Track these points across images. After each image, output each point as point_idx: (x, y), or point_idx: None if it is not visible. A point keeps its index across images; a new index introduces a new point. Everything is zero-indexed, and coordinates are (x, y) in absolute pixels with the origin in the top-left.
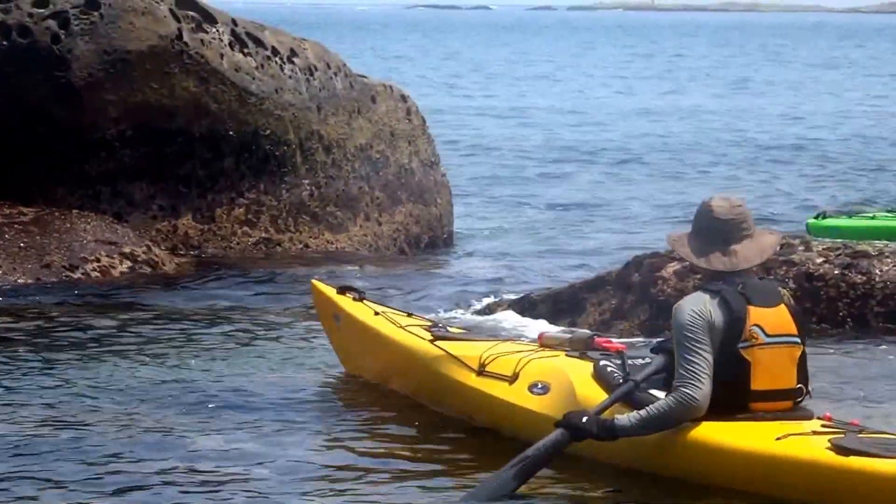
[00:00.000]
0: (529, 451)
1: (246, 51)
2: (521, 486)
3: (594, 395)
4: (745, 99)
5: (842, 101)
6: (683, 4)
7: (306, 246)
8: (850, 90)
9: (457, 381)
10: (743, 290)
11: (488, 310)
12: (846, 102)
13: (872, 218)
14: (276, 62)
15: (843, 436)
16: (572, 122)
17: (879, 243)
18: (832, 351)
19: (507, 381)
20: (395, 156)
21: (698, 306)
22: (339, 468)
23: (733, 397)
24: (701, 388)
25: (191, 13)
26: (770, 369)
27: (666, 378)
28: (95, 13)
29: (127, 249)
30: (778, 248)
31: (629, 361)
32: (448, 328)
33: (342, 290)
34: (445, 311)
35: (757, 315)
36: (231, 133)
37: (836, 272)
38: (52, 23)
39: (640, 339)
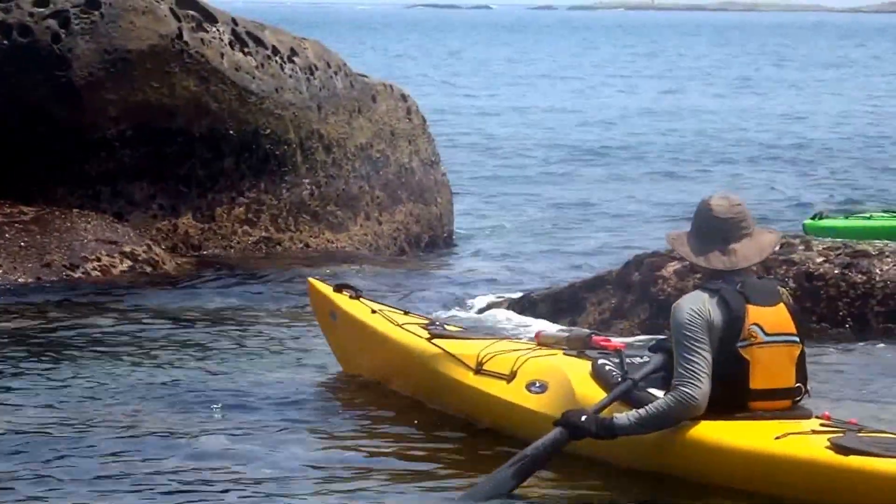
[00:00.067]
0: (528, 449)
1: (246, 50)
2: (519, 485)
3: (592, 394)
4: (745, 98)
5: (842, 101)
6: (684, 4)
7: (306, 245)
8: (850, 90)
9: (454, 380)
10: (742, 289)
11: (488, 309)
12: (847, 102)
13: (869, 218)
14: (276, 61)
15: (842, 435)
16: (573, 122)
17: (879, 243)
18: (832, 351)
19: (504, 379)
20: (395, 155)
21: (697, 305)
22: (339, 468)
23: (732, 396)
24: (700, 387)
25: (191, 12)
26: (769, 368)
27: (664, 377)
28: (96, 12)
29: (127, 249)
30: (777, 247)
31: (627, 360)
32: (445, 326)
33: (339, 288)
34: (446, 310)
35: (756, 314)
36: (231, 132)
37: (836, 272)
38: (52, 22)
39: (640, 339)
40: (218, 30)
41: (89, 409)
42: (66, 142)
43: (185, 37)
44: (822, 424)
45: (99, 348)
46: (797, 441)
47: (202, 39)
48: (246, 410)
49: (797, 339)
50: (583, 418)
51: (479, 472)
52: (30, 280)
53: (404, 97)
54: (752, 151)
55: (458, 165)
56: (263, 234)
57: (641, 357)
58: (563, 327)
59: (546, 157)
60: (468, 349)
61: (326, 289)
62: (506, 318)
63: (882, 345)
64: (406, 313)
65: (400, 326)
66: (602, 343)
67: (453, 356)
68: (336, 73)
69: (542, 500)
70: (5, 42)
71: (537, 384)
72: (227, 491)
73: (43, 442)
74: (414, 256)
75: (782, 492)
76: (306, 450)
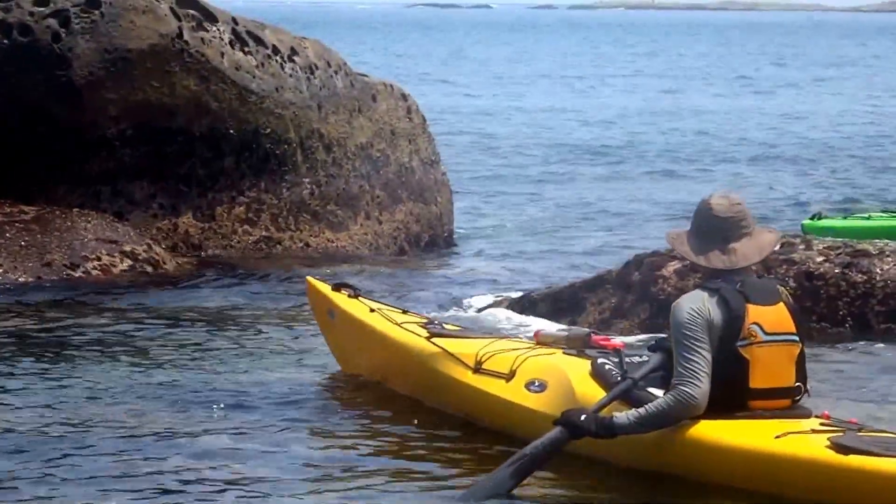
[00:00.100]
0: (527, 449)
1: (246, 49)
2: (518, 485)
3: (592, 393)
4: (745, 98)
5: (842, 101)
6: (684, 3)
7: (307, 244)
8: (851, 89)
9: (453, 379)
10: (742, 289)
11: (488, 308)
12: (847, 101)
13: (868, 218)
14: (276, 61)
15: (842, 434)
16: (573, 121)
17: (879, 242)
18: (832, 350)
19: (503, 378)
20: (395, 154)
21: (697, 304)
22: (339, 467)
23: (732, 395)
24: (699, 387)
25: (191, 12)
26: (769, 367)
27: (664, 376)
28: (96, 12)
29: (127, 248)
30: (777, 247)
31: (627, 359)
32: (444, 325)
33: (337, 287)
34: (445, 309)
35: (756, 313)
36: (231, 132)
37: (836, 271)
38: (52, 21)
39: (640, 338)
40: (218, 29)
41: (89, 409)
42: (66, 141)
43: (186, 36)
44: (821, 424)
45: (99, 348)
46: (797, 440)
47: (202, 39)
48: (246, 410)
49: (797, 338)
50: (582, 417)
51: (478, 472)
52: (30, 279)
53: (404, 96)
54: (752, 151)
55: (458, 165)
56: (264, 233)
57: (641, 356)
58: (563, 326)
59: (546, 156)
60: (467, 348)
61: (325, 287)
62: (505, 317)
63: (882, 344)
64: (405, 312)
65: (399, 325)
66: (601, 342)
67: (452, 355)
68: (336, 73)
69: (541, 500)
70: (5, 41)
71: (536, 383)
72: (226, 490)
73: (43, 442)
74: (414, 256)
75: (782, 491)
76: (306, 450)
